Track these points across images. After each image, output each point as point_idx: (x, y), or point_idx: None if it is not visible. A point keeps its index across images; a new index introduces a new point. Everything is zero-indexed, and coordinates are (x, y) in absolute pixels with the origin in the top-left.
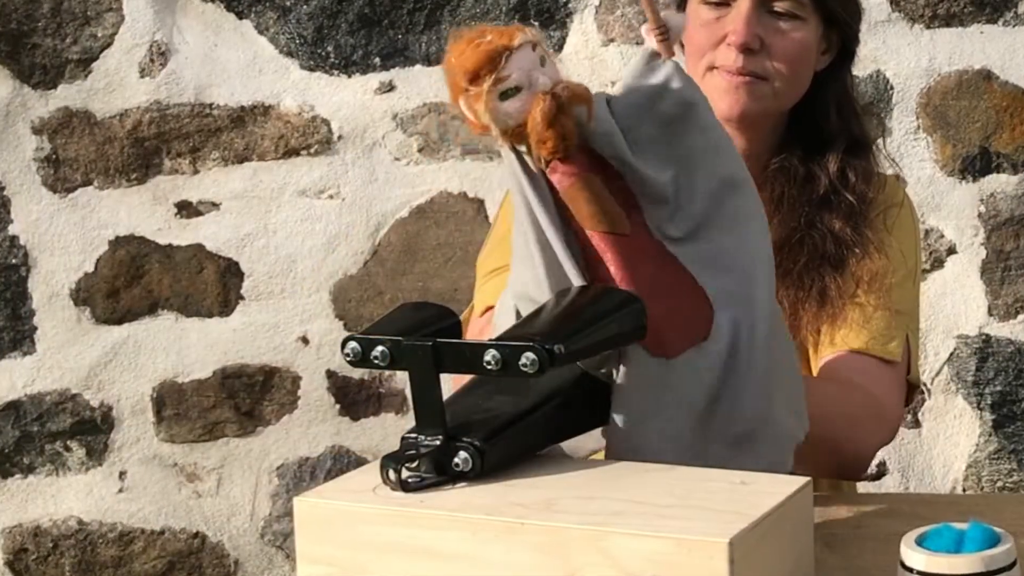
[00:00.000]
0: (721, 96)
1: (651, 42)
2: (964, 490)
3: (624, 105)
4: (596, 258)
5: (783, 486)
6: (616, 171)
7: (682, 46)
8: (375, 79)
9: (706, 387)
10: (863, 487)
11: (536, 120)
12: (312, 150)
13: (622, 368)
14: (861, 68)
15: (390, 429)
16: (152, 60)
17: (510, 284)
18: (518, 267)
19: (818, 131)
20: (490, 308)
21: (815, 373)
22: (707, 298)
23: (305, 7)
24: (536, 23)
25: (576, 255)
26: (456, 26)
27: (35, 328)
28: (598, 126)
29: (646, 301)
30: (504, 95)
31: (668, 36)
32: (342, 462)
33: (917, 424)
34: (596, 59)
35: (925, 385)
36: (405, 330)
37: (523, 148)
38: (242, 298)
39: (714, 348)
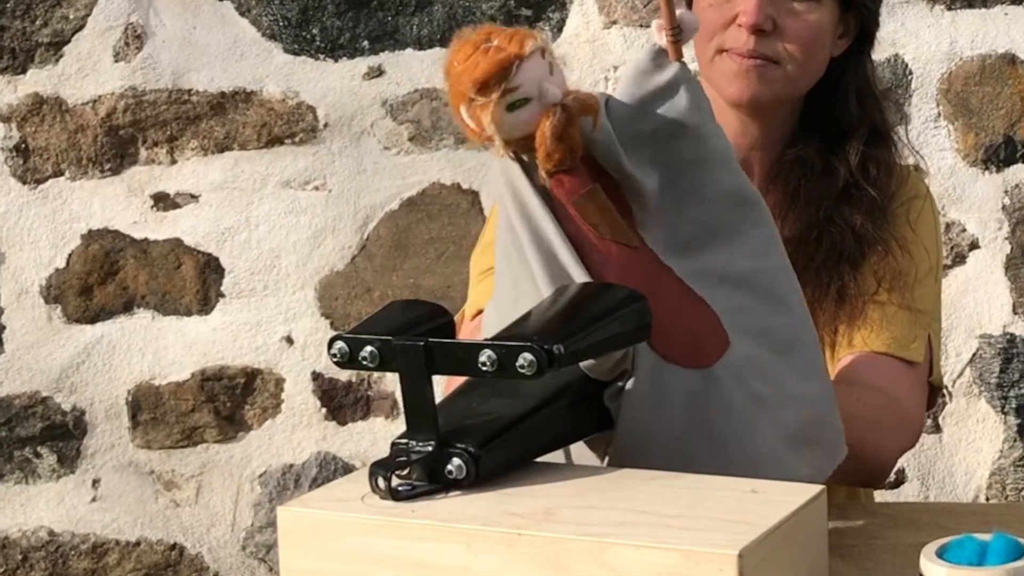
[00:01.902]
0: (731, 80)
1: (661, 40)
2: (987, 499)
3: (624, 106)
4: (601, 272)
5: (796, 494)
6: (613, 180)
7: None
8: (363, 64)
9: (749, 388)
10: (880, 496)
11: (546, 135)
12: (297, 139)
13: (653, 386)
14: (878, 52)
15: (379, 434)
16: (127, 43)
17: (495, 302)
18: (506, 285)
19: (836, 120)
20: (483, 311)
21: (832, 375)
22: (712, 309)
23: None
24: (534, 6)
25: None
26: (448, 8)
27: (3, 327)
28: (600, 137)
29: (672, 311)
30: (512, 106)
31: (680, 37)
32: (328, 469)
33: (938, 429)
34: (597, 42)
35: (946, 388)
36: (395, 329)
37: (526, 158)
38: (222, 295)
39: (739, 351)
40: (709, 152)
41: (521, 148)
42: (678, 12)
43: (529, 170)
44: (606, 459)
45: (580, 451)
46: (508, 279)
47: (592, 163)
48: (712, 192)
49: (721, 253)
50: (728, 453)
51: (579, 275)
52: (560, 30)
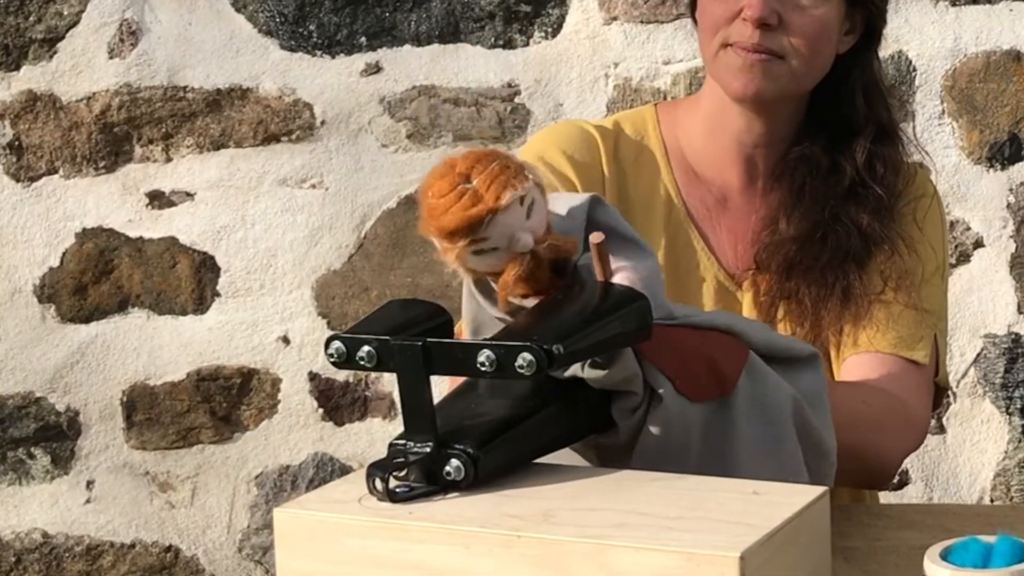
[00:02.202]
0: (735, 75)
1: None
2: (992, 500)
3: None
4: None
5: (798, 496)
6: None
7: (695, 22)
8: (361, 60)
9: (774, 408)
10: (884, 497)
11: (508, 282)
12: (293, 136)
13: (677, 428)
14: (882, 48)
15: (377, 435)
16: (122, 40)
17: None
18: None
19: (842, 118)
20: None
21: (837, 376)
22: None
23: None
24: (533, 2)
25: None
26: (447, 4)
27: None
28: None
29: (690, 346)
30: (478, 252)
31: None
32: (325, 470)
33: (942, 430)
34: (598, 39)
35: (951, 388)
36: (393, 329)
37: (489, 281)
38: (218, 295)
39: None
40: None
41: (487, 276)
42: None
43: (489, 293)
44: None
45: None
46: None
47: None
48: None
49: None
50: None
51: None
52: (559, 26)
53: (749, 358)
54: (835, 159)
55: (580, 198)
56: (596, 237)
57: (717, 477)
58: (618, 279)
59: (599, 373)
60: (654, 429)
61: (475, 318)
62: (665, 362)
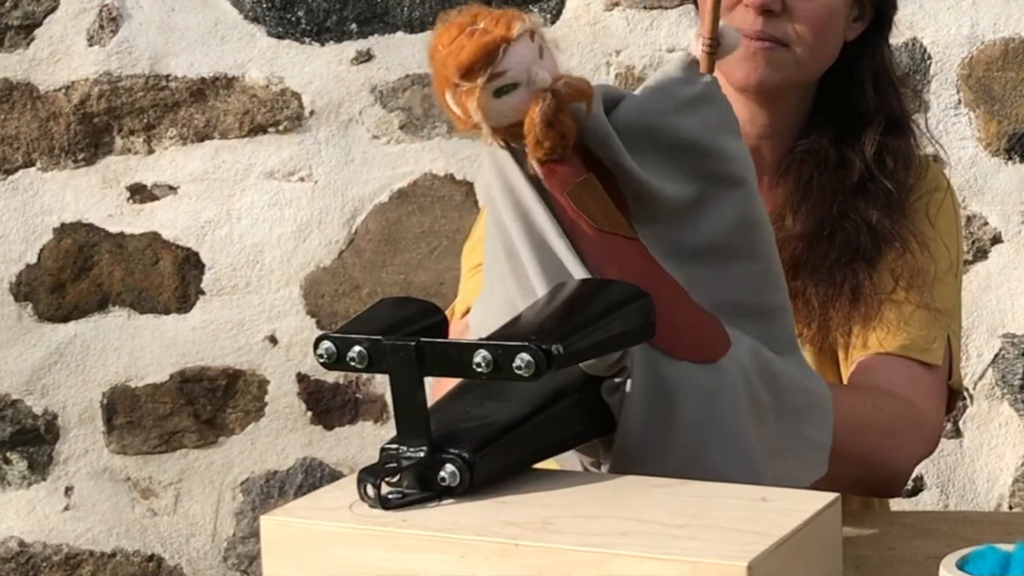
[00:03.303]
0: (737, 63)
1: (696, 49)
2: (1011, 507)
3: (643, 110)
4: (599, 266)
5: (808, 503)
6: (608, 172)
7: (696, 6)
8: (351, 47)
9: (751, 388)
10: (898, 504)
11: (535, 121)
12: (281, 127)
13: (661, 385)
14: (896, 35)
15: (368, 439)
16: (102, 26)
17: (483, 301)
18: (497, 282)
19: (851, 108)
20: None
21: (846, 378)
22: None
23: None
24: None
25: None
26: None
27: None
28: (594, 125)
29: (675, 306)
30: (499, 91)
31: (717, 51)
32: (314, 476)
33: (958, 434)
34: (599, 25)
35: (967, 390)
36: (385, 328)
37: (515, 146)
38: (202, 293)
39: (742, 348)
40: (731, 174)
41: (510, 136)
42: (721, 24)
43: (519, 159)
44: (605, 466)
45: (577, 457)
46: (497, 275)
47: (586, 151)
48: (727, 214)
49: (716, 275)
50: (740, 454)
51: (576, 269)
52: (559, 12)
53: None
54: (843, 152)
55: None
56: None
57: (723, 483)
58: None
59: (591, 361)
60: (634, 390)
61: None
62: None
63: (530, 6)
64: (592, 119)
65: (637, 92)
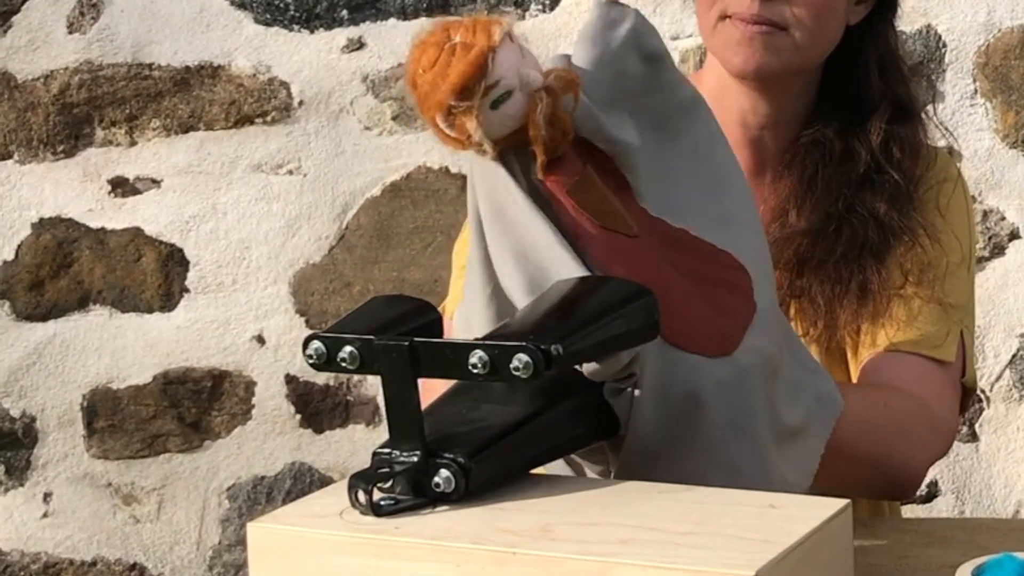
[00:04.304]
0: (734, 49)
1: None
2: None
3: (591, 70)
4: (605, 265)
5: (818, 510)
6: (601, 155)
7: None
8: (342, 35)
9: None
10: (911, 510)
11: (539, 124)
12: (269, 118)
13: (675, 383)
14: (908, 23)
15: (359, 443)
16: (82, 13)
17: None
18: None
19: (857, 96)
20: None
21: (854, 378)
22: (738, 261)
23: None
24: None
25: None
26: None
27: None
28: (582, 111)
29: (686, 298)
30: (496, 103)
31: None
32: (304, 482)
33: (974, 437)
34: None
35: (983, 392)
36: (377, 328)
37: (511, 156)
38: (187, 291)
39: (766, 317)
40: (679, 101)
41: (509, 145)
42: None
43: (514, 169)
44: (612, 471)
45: (581, 461)
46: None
47: (578, 142)
48: (700, 136)
49: (711, 197)
50: (755, 449)
51: (575, 272)
52: (555, 3)
53: (756, 312)
54: (848, 142)
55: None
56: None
57: (730, 489)
58: None
59: (593, 365)
60: (645, 390)
61: (495, 207)
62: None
63: None
64: (580, 106)
65: (575, 54)
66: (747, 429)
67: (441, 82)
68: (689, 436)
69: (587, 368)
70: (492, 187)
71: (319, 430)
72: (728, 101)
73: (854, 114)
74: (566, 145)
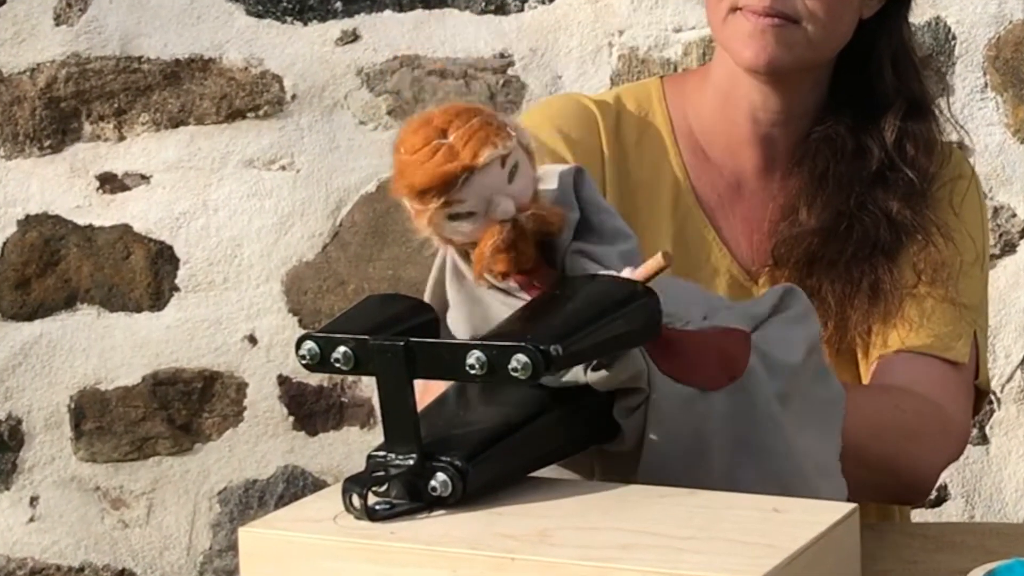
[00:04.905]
0: (745, 42)
1: None
2: None
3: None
4: None
5: (824, 514)
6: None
7: None
8: (336, 27)
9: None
10: (919, 515)
11: (483, 253)
12: (261, 112)
13: (694, 420)
14: (918, 15)
15: (354, 446)
16: (69, 4)
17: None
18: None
19: (869, 92)
20: None
21: (865, 379)
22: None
23: None
24: None
25: None
26: None
27: None
28: (561, 248)
29: (699, 337)
30: (453, 216)
31: None
32: (297, 485)
33: (985, 440)
34: (601, 3)
35: (994, 393)
36: (372, 327)
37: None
38: (177, 289)
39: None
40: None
41: (461, 247)
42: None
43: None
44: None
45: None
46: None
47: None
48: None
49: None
50: (775, 468)
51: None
52: None
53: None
54: (861, 139)
55: (566, 169)
56: (665, 259)
57: (733, 493)
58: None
59: (601, 375)
60: (659, 426)
61: (452, 297)
62: (666, 363)
63: None
64: (558, 243)
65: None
66: (761, 452)
67: (408, 177)
68: (701, 466)
69: (592, 378)
70: (451, 277)
71: (312, 432)
72: (738, 96)
73: (866, 110)
74: (522, 270)
